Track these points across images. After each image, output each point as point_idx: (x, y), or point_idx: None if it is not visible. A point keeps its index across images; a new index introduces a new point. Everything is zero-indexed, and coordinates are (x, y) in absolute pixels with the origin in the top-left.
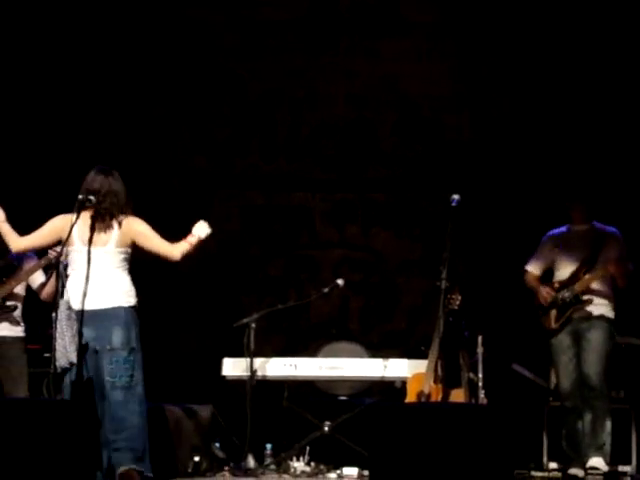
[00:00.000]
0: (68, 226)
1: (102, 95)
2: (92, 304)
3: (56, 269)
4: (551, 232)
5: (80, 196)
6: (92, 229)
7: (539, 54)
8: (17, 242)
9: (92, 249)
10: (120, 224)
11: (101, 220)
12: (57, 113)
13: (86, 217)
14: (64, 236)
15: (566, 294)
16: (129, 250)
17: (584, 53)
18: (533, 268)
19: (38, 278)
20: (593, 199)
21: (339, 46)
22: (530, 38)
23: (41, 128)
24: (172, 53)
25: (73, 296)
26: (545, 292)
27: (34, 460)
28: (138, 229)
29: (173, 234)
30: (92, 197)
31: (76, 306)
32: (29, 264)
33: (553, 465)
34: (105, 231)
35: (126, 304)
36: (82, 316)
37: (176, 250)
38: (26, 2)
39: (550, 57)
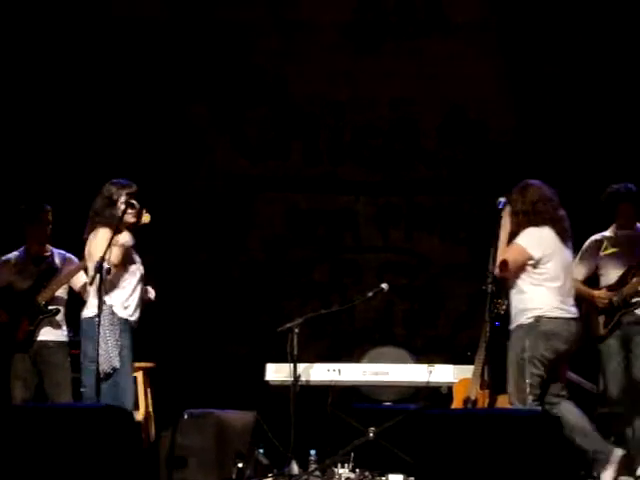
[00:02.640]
0: None
1: (139, 100)
2: None
3: (99, 274)
4: (594, 237)
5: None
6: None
7: (585, 54)
8: None
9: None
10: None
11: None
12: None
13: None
14: None
15: (614, 298)
16: None
17: (633, 54)
18: (576, 273)
19: (80, 280)
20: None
21: (383, 47)
22: (576, 38)
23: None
24: (216, 55)
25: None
26: (602, 296)
27: (78, 467)
28: None
29: (216, 237)
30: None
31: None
32: (70, 267)
33: None
34: None
35: None
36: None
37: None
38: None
39: (598, 57)
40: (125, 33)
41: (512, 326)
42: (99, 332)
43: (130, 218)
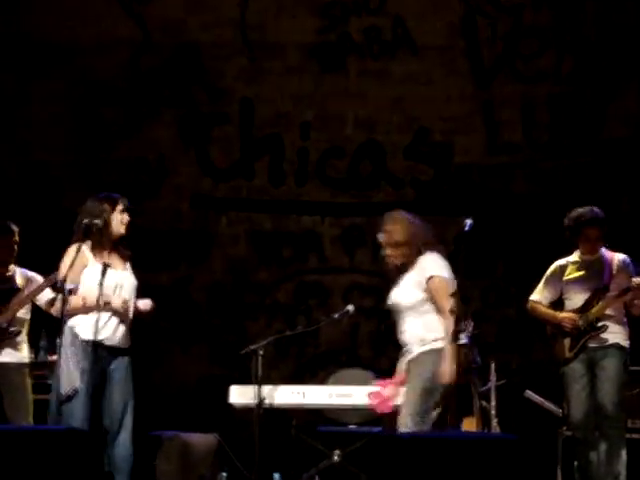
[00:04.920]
0: None
1: (102, 118)
2: None
3: (61, 294)
4: (558, 262)
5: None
6: None
7: (551, 73)
8: None
9: None
10: None
11: None
12: None
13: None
14: None
15: (580, 322)
16: None
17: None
18: (541, 298)
19: (44, 297)
20: (607, 224)
21: (348, 68)
22: (542, 57)
23: None
24: (181, 75)
25: None
26: (569, 318)
27: None
28: None
29: (180, 258)
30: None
31: None
32: (32, 286)
33: None
34: None
35: None
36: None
37: None
38: None
39: (564, 76)
40: (92, 51)
41: (417, 352)
42: (60, 353)
43: (122, 230)
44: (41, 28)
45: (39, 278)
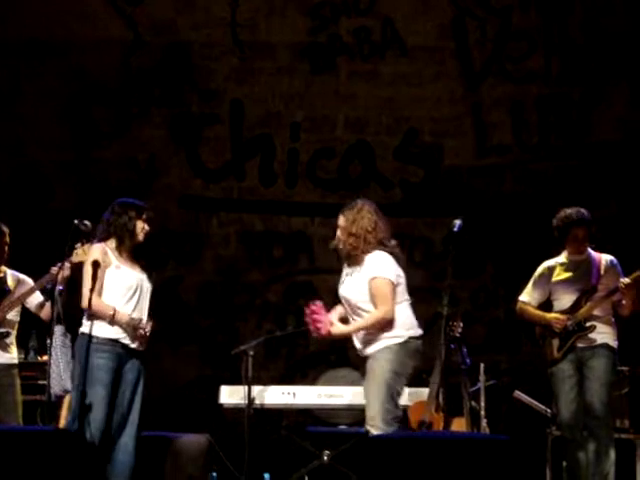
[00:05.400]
0: None
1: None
2: None
3: (51, 295)
4: (546, 263)
5: None
6: None
7: (541, 74)
8: None
9: None
10: None
11: None
12: None
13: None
14: None
15: (569, 322)
16: None
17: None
18: (529, 299)
19: (35, 299)
20: (594, 225)
21: (338, 68)
22: (533, 56)
23: None
24: (172, 74)
25: None
26: (557, 319)
27: None
28: None
29: (170, 258)
30: None
31: None
32: (22, 289)
33: None
34: None
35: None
36: None
37: None
38: None
39: (553, 78)
40: (83, 50)
41: (374, 348)
42: (50, 354)
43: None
44: (33, 27)
45: (30, 281)
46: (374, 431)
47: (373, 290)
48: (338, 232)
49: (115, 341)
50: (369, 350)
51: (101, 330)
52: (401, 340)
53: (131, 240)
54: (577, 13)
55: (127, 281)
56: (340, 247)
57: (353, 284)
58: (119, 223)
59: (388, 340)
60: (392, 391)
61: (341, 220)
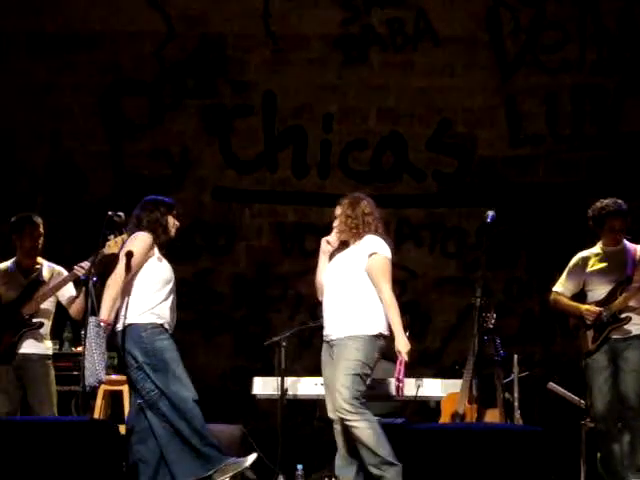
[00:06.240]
0: None
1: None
2: None
3: (85, 286)
4: (581, 253)
5: None
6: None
7: (572, 65)
8: None
9: None
10: None
11: None
12: None
13: None
14: None
15: (604, 313)
16: None
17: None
18: (563, 290)
19: (66, 292)
20: (630, 215)
21: (371, 60)
22: (564, 48)
23: None
24: (206, 66)
25: None
26: (591, 311)
27: None
28: None
29: (203, 250)
30: None
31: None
32: (57, 280)
33: None
34: None
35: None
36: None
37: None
38: None
39: (586, 72)
40: (117, 43)
41: (349, 333)
42: (85, 345)
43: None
44: (68, 21)
45: (65, 273)
46: (351, 417)
47: (374, 266)
48: (335, 222)
49: (161, 326)
50: (338, 335)
51: (146, 317)
52: (374, 333)
53: (165, 235)
54: (611, 2)
55: (166, 274)
56: (338, 235)
57: (345, 258)
58: (152, 218)
59: (361, 329)
60: (361, 379)
61: (338, 209)
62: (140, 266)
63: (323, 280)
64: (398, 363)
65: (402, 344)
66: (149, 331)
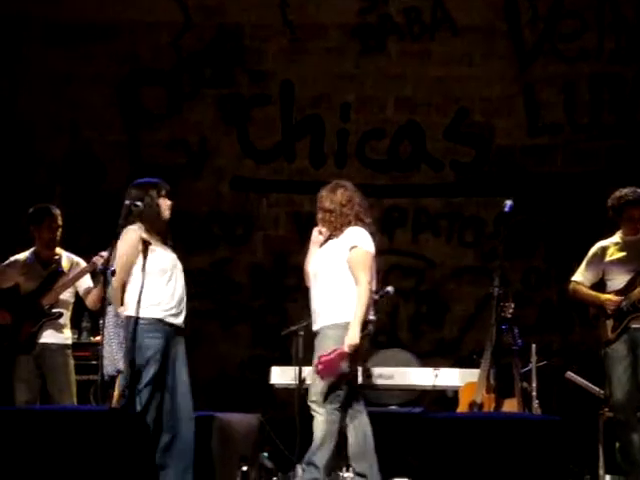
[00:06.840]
0: None
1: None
2: None
3: (103, 275)
4: (600, 243)
5: None
6: None
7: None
8: None
9: None
10: None
11: None
12: None
13: None
14: None
15: (623, 303)
16: None
17: None
18: (583, 279)
19: (84, 283)
20: None
21: (388, 49)
22: (582, 37)
23: None
24: (222, 56)
25: None
26: (610, 300)
27: (82, 471)
28: None
29: (220, 239)
30: None
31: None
32: (76, 270)
33: (609, 478)
34: None
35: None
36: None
37: None
38: None
39: (604, 60)
40: (134, 32)
41: (329, 322)
42: (103, 334)
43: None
44: (85, 11)
45: (84, 264)
46: (316, 408)
47: (354, 259)
48: (318, 215)
49: (161, 320)
50: (321, 325)
51: (147, 311)
52: (348, 321)
53: (160, 220)
54: None
55: (161, 264)
56: (322, 229)
57: (328, 250)
58: (143, 206)
59: (339, 317)
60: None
61: (318, 200)
62: (131, 263)
63: (309, 270)
64: (334, 349)
65: (350, 337)
66: (141, 326)
